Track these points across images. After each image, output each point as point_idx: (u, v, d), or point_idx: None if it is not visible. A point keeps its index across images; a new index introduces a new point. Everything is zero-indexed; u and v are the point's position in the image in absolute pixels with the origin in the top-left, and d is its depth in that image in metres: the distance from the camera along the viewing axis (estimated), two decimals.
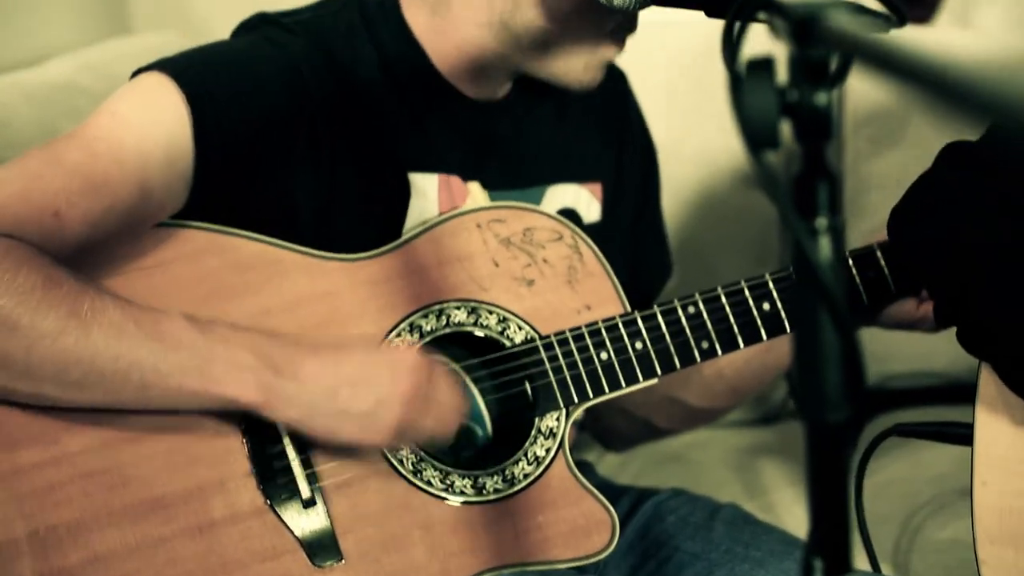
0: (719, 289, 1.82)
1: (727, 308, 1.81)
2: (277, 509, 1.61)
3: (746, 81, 1.01)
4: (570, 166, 1.95)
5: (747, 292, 1.82)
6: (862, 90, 2.74)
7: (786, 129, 1.00)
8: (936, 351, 2.59)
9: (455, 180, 1.83)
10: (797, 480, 2.40)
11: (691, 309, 1.80)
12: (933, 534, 2.17)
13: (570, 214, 1.91)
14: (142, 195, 1.60)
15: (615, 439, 2.17)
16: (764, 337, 1.83)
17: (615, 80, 2.06)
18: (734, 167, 2.82)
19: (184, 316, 1.55)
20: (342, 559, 1.62)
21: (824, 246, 1.00)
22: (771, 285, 1.83)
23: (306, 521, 1.61)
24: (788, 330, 1.83)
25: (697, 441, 2.63)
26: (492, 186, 1.86)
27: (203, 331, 1.55)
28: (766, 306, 1.83)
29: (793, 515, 2.30)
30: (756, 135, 0.99)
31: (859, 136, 2.76)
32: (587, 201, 1.95)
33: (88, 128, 1.62)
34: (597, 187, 1.97)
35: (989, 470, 1.75)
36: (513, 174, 1.88)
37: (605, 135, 2.01)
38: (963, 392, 2.01)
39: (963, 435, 1.79)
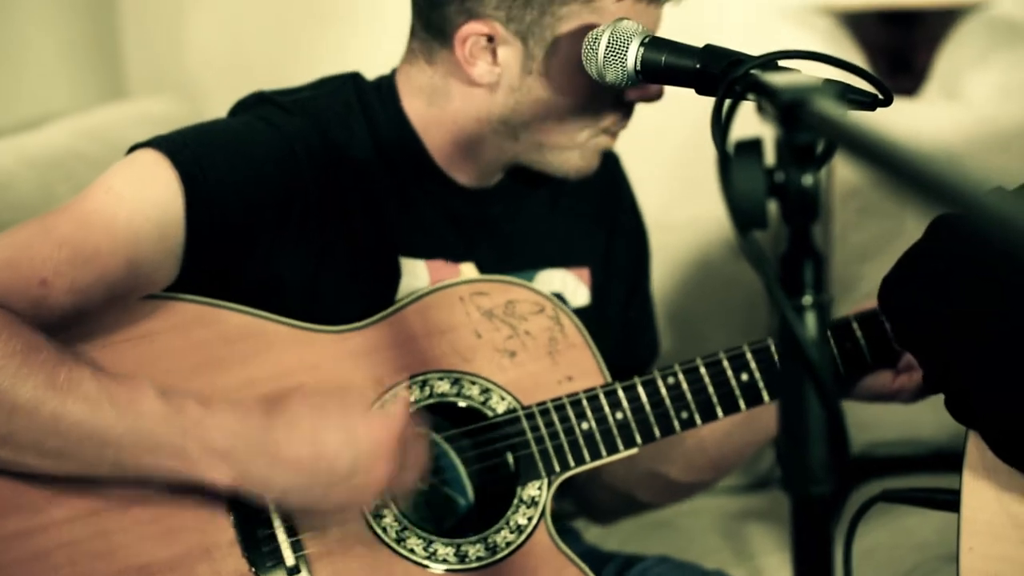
0: (698, 360, 1.84)
1: (706, 379, 1.84)
2: None
3: (734, 161, 1.03)
4: (559, 251, 1.98)
5: (726, 363, 1.85)
6: (854, 166, 2.76)
7: (773, 208, 1.03)
8: (921, 419, 2.60)
9: (446, 266, 1.86)
10: (785, 546, 2.41)
11: (671, 380, 1.82)
12: None
13: (558, 298, 1.92)
14: (131, 269, 1.62)
15: (599, 512, 2.18)
16: (743, 407, 1.85)
17: (609, 163, 2.08)
18: (723, 237, 2.84)
19: (157, 392, 1.56)
20: None
21: (810, 323, 1.03)
22: (749, 355, 1.86)
23: None
24: (766, 400, 1.85)
25: (685, 507, 2.64)
26: (483, 269, 1.88)
27: (177, 410, 1.55)
28: (744, 376, 1.85)
29: None
30: (744, 215, 1.02)
31: (847, 207, 2.79)
32: (574, 286, 1.97)
33: (82, 202, 1.64)
34: (585, 272, 1.99)
35: (975, 536, 1.77)
36: (503, 258, 1.90)
37: (596, 219, 2.03)
38: (948, 460, 2.03)
39: (949, 501, 1.81)
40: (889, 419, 2.65)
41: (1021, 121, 2.82)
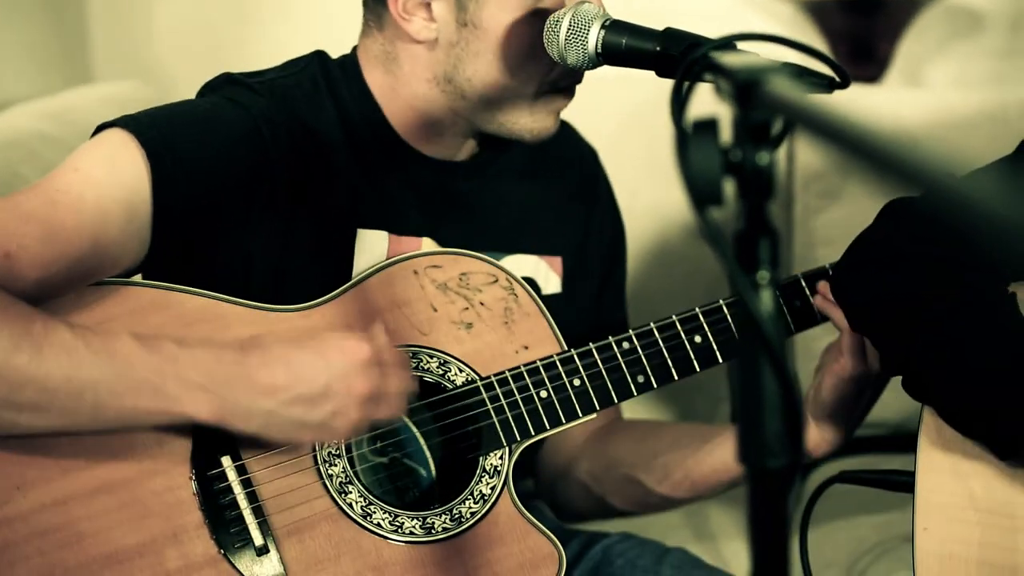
0: (651, 324, 1.87)
1: (660, 343, 1.86)
2: (231, 558, 1.63)
3: (691, 140, 1.05)
4: (532, 237, 1.99)
5: (679, 326, 1.87)
6: (813, 146, 2.78)
7: (729, 187, 1.05)
8: (882, 401, 2.63)
9: (406, 238, 1.87)
10: (743, 527, 2.43)
11: (625, 344, 1.85)
12: None
13: (528, 283, 1.93)
14: (97, 248, 1.63)
15: (568, 513, 2.17)
16: (697, 368, 1.86)
17: (588, 161, 2.10)
18: (685, 221, 2.85)
19: (133, 336, 1.57)
20: None
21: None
22: (702, 318, 1.88)
23: (260, 568, 1.64)
24: (720, 361, 1.87)
25: None
26: (447, 245, 1.89)
27: (153, 350, 1.56)
28: (698, 339, 1.87)
29: (740, 561, 2.33)
30: (700, 192, 1.04)
31: (809, 191, 2.81)
32: (545, 273, 1.99)
33: (50, 181, 1.65)
34: (557, 261, 2.00)
35: (930, 517, 1.79)
36: (471, 237, 1.91)
37: (571, 211, 2.05)
38: (906, 441, 2.05)
39: (905, 483, 1.83)
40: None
41: (979, 108, 2.84)
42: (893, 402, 2.00)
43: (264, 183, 1.75)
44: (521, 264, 1.96)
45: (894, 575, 2.19)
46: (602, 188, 2.12)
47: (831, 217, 2.80)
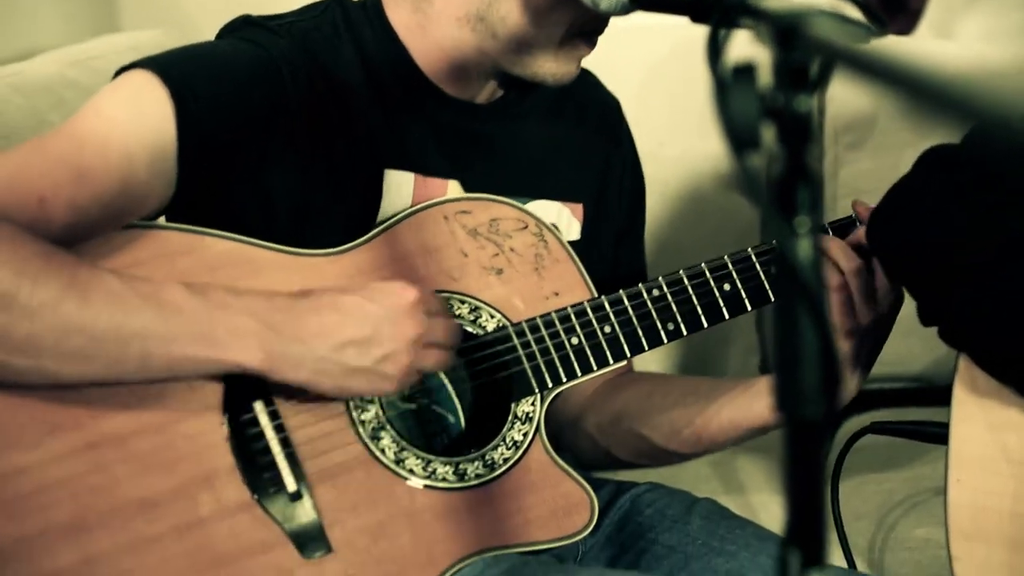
0: (681, 272, 1.86)
1: (690, 291, 1.85)
2: (264, 503, 1.62)
3: (729, 85, 1.03)
4: (553, 183, 1.97)
5: (708, 274, 1.87)
6: (843, 98, 2.77)
7: (768, 133, 1.03)
8: (911, 354, 2.62)
9: (432, 180, 1.85)
10: (774, 478, 2.43)
11: (656, 292, 1.84)
12: (907, 532, 2.20)
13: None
14: (125, 189, 1.61)
15: (581, 462, 2.16)
16: (726, 316, 1.86)
17: (610, 109, 2.09)
18: (715, 170, 2.84)
19: (182, 283, 1.56)
20: (331, 550, 1.63)
21: (804, 246, 1.03)
22: (730, 266, 1.88)
23: (293, 514, 1.63)
24: (749, 309, 1.87)
25: None
26: (472, 188, 1.88)
27: (203, 297, 1.56)
28: (727, 287, 1.87)
29: (769, 512, 2.32)
30: (739, 138, 1.02)
31: (839, 143, 2.79)
32: (567, 219, 1.97)
33: (74, 123, 1.64)
34: (578, 207, 1.99)
35: (963, 468, 1.78)
36: (495, 181, 1.89)
37: (592, 158, 2.03)
38: (937, 395, 2.04)
39: (938, 434, 1.82)
40: (879, 356, 2.65)
41: (1009, 61, 2.82)
42: (921, 355, 2.00)
43: (284, 122, 1.74)
44: (544, 210, 1.95)
45: (924, 528, 2.18)
46: (623, 137, 2.11)
47: (860, 169, 2.78)
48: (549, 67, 1.82)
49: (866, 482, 2.30)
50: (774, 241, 1.86)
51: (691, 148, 2.81)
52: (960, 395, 1.80)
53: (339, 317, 1.60)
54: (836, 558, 1.99)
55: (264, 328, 1.56)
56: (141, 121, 1.64)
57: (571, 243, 1.94)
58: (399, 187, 1.83)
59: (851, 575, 1.74)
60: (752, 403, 1.90)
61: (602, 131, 2.06)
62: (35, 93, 2.35)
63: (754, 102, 1.03)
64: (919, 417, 2.09)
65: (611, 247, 2.05)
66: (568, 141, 2.00)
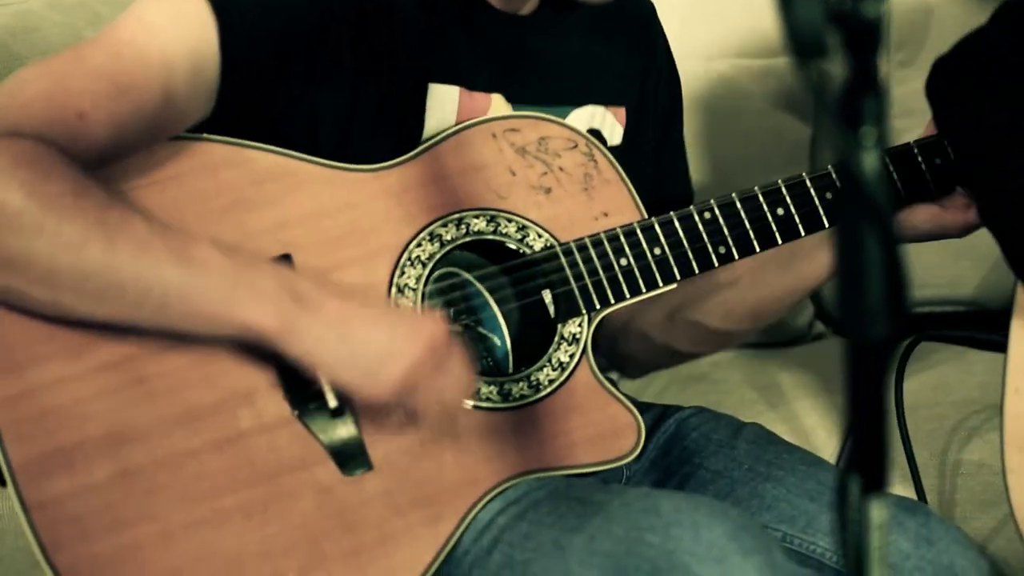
0: (734, 195, 1.82)
1: (742, 213, 1.81)
2: (305, 419, 1.59)
3: None
4: (596, 88, 1.93)
5: (761, 198, 1.83)
6: (895, 14, 2.72)
7: (833, 40, 0.99)
8: (963, 277, 2.59)
9: (477, 94, 1.81)
10: (819, 403, 2.40)
11: (707, 215, 1.80)
12: (960, 457, 2.18)
13: (595, 135, 1.90)
14: (166, 101, 1.58)
15: (633, 365, 2.15)
16: (779, 241, 1.83)
17: (645, 15, 2.05)
18: (763, 89, 2.81)
19: (210, 241, 1.53)
20: (371, 467, 1.61)
21: (869, 158, 0.99)
22: (784, 191, 1.83)
23: (334, 431, 1.60)
24: (803, 234, 1.84)
25: (719, 361, 2.63)
26: (516, 100, 1.84)
27: (230, 256, 1.52)
28: (780, 211, 1.83)
29: (817, 437, 2.30)
30: (803, 44, 0.98)
31: (889, 61, 2.75)
32: (611, 124, 1.93)
33: (113, 32, 1.60)
34: (621, 111, 1.95)
35: (1022, 378, 1.74)
36: (538, 91, 1.86)
37: (630, 60, 1.99)
38: (988, 318, 2.01)
39: (995, 342, 1.79)
40: (931, 279, 2.62)
41: None
42: (973, 278, 1.97)
43: (329, 35, 1.69)
44: (589, 115, 1.91)
45: (977, 453, 2.16)
46: (659, 38, 2.06)
47: (913, 87, 2.72)
48: None
49: (915, 409, 2.26)
50: (829, 167, 1.85)
51: (738, 66, 2.77)
52: (1021, 304, 1.76)
53: (362, 306, 1.56)
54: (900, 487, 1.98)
55: (284, 294, 1.52)
56: (183, 31, 1.60)
57: (614, 148, 1.91)
58: (444, 102, 1.79)
59: (908, 504, 1.71)
60: (802, 267, 1.91)
61: (639, 38, 2.02)
62: (71, 9, 2.32)
63: (819, 7, 0.98)
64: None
65: (653, 150, 2.02)
66: (608, 51, 1.96)
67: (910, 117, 2.68)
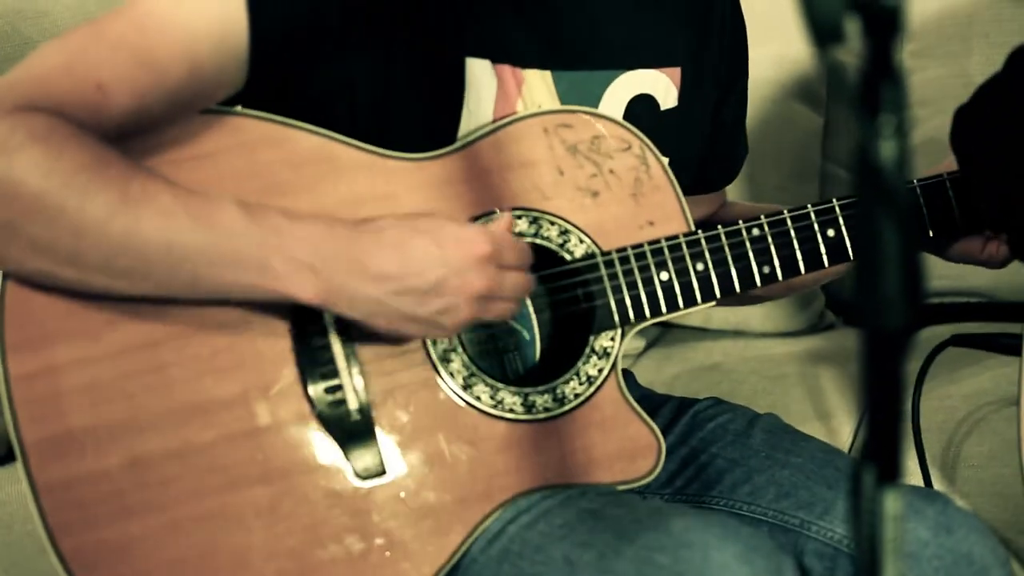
0: (785, 212, 1.77)
1: (792, 232, 1.76)
2: (322, 419, 1.57)
3: None
4: (648, 50, 1.85)
5: (813, 216, 1.77)
6: (910, 4, 2.70)
7: (853, 26, 0.98)
8: (974, 269, 2.57)
9: (511, 69, 1.74)
10: (831, 393, 2.40)
11: (755, 232, 1.75)
12: (970, 449, 2.17)
13: (647, 99, 1.83)
14: (192, 73, 1.53)
15: None
16: (826, 264, 1.78)
17: None
18: (775, 78, 2.80)
19: (237, 204, 1.48)
20: (385, 473, 1.59)
21: (887, 146, 0.98)
22: (838, 211, 1.77)
23: (351, 432, 1.58)
24: (851, 258, 1.78)
25: (732, 352, 2.63)
26: (558, 66, 1.77)
27: (259, 221, 1.48)
28: (831, 232, 1.77)
29: (829, 426, 2.30)
30: (822, 30, 0.97)
31: (904, 51, 2.74)
32: (665, 87, 1.85)
33: (135, 3, 1.54)
34: (675, 72, 1.87)
35: None
36: (582, 56, 1.79)
37: (687, 14, 1.90)
38: (1006, 310, 2.00)
39: (1015, 345, 1.78)
40: (943, 270, 2.61)
41: None
42: (983, 270, 1.96)
43: (362, 4, 1.63)
44: (640, 80, 1.83)
45: (988, 445, 2.15)
46: None
47: (927, 76, 2.74)
48: None
49: (928, 400, 2.25)
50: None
51: (753, 55, 2.76)
52: None
53: (402, 259, 1.51)
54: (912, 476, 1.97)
55: (321, 260, 1.48)
56: (209, 1, 1.55)
57: (668, 110, 1.85)
58: (480, 77, 1.72)
59: (926, 492, 1.70)
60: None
61: None
62: None
63: None
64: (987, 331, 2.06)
65: (710, 110, 1.94)
66: (661, 5, 1.87)
67: (926, 106, 2.68)
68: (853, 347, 2.19)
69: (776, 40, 2.75)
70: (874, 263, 1.00)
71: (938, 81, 2.70)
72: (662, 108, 1.84)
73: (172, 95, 1.53)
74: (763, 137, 2.77)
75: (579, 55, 1.78)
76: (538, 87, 1.75)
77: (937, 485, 2.12)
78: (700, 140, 1.88)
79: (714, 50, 1.92)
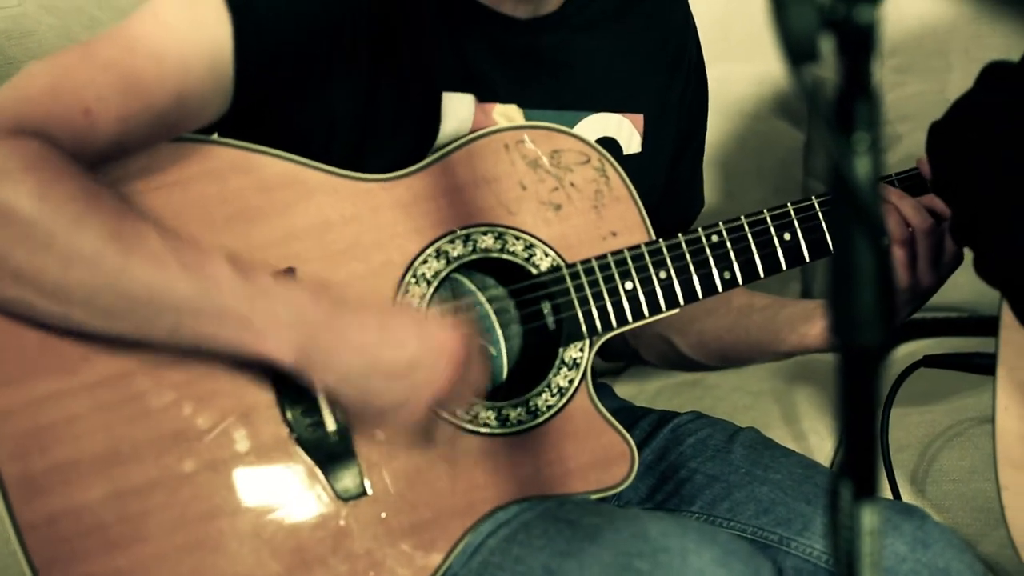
0: (742, 218, 1.80)
1: (749, 238, 1.79)
2: (301, 442, 1.58)
3: None
4: (615, 94, 1.89)
5: (769, 221, 1.80)
6: (889, 20, 2.71)
7: (826, 45, 0.99)
8: (954, 284, 2.57)
9: (490, 105, 1.78)
10: (812, 409, 2.40)
11: (714, 238, 1.78)
12: (950, 463, 2.17)
13: (610, 143, 1.86)
14: (178, 100, 1.54)
15: (605, 352, 2.10)
16: (784, 267, 1.81)
17: (676, 14, 1.99)
18: (756, 94, 2.80)
19: (227, 258, 1.48)
20: (366, 492, 1.60)
21: (862, 164, 0.99)
22: (792, 215, 1.81)
23: (330, 454, 1.59)
24: (807, 260, 1.82)
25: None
26: (530, 105, 1.80)
27: (246, 278, 1.48)
28: (787, 236, 1.81)
29: (810, 443, 2.30)
30: (796, 49, 0.98)
31: (885, 66, 2.75)
32: (628, 132, 1.89)
33: (127, 27, 1.55)
34: (639, 118, 1.91)
35: (1011, 396, 1.75)
36: (554, 95, 1.82)
37: (655, 63, 1.94)
38: (984, 324, 2.00)
39: (989, 365, 1.79)
40: None
41: None
42: (964, 285, 1.96)
43: (345, 36, 1.66)
44: (604, 123, 1.87)
45: (968, 459, 2.16)
46: (691, 48, 2.01)
47: (907, 92, 2.75)
48: None
49: (909, 413, 2.27)
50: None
51: (731, 72, 2.77)
52: (1008, 323, 1.76)
53: (380, 340, 1.52)
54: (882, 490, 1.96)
55: (303, 323, 1.49)
56: (199, 29, 1.55)
57: (632, 155, 1.88)
58: (458, 111, 1.75)
59: (903, 507, 1.70)
60: (784, 333, 1.90)
61: (668, 35, 1.97)
62: (67, 13, 2.30)
63: (813, 12, 0.98)
64: (962, 347, 2.06)
65: (671, 155, 1.98)
66: (633, 47, 1.91)
67: (906, 122, 2.69)
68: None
69: (758, 58, 2.76)
70: (849, 280, 1.00)
71: (918, 97, 2.70)
72: (625, 152, 1.87)
73: (157, 120, 1.53)
74: (745, 154, 2.77)
75: (551, 94, 1.81)
76: (515, 119, 1.79)
77: (917, 500, 2.12)
78: (659, 187, 1.91)
79: (678, 95, 1.96)
